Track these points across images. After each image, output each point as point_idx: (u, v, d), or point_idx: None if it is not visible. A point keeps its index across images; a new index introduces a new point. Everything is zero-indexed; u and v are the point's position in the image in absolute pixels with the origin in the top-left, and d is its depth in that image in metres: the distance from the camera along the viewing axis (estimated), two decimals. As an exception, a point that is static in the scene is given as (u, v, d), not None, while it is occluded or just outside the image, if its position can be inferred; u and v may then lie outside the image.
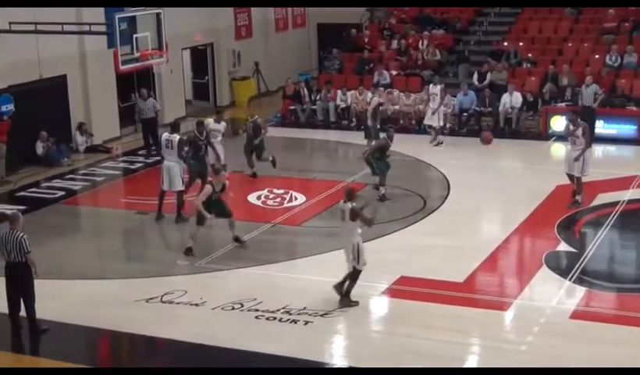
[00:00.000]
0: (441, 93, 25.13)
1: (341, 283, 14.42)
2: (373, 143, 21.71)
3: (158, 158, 21.33)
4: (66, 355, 13.20)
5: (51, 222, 19.65)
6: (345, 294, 14.34)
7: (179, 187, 18.90)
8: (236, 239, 17.30)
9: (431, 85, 25.69)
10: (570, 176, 19.17)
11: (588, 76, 25.09)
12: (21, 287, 13.53)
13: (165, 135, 19.12)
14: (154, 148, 24.71)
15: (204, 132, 20.11)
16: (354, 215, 14.24)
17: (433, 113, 25.08)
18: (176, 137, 18.92)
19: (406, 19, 32.68)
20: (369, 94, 27.41)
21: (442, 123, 25.26)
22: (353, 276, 14.31)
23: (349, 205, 14.32)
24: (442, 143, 24.93)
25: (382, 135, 21.29)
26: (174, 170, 18.78)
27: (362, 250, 14.27)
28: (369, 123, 23.10)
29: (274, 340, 13.30)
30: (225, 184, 17.06)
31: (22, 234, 13.38)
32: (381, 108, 26.30)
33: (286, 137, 27.09)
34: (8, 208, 20.27)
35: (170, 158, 18.85)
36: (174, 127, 19.37)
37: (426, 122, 25.58)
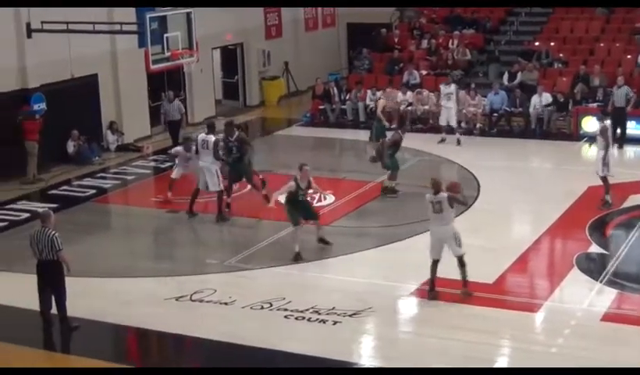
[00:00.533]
0: (456, 92, 25.08)
1: (464, 282, 14.57)
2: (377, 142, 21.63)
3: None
4: (96, 352, 13.30)
5: (82, 220, 19.78)
6: (465, 282, 14.55)
7: (216, 187, 18.92)
8: (322, 240, 17.16)
9: (442, 85, 25.59)
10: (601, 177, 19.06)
11: (619, 76, 24.87)
12: (52, 284, 13.65)
13: (202, 136, 19.11)
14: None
15: (234, 133, 19.75)
16: (452, 201, 14.51)
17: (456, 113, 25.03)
18: (212, 137, 18.94)
19: (436, 19, 32.58)
20: (399, 94, 27.48)
21: (454, 124, 25.02)
22: (463, 262, 14.49)
23: (444, 194, 14.50)
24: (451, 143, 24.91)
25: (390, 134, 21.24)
26: (210, 171, 18.81)
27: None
28: (374, 124, 23.03)
29: (302, 339, 13.32)
30: (311, 181, 16.87)
31: (53, 232, 13.49)
32: (410, 108, 26.35)
33: (316, 137, 27.11)
34: (40, 207, 20.49)
35: (206, 159, 18.87)
36: (210, 128, 19.38)
37: (442, 122, 25.25)
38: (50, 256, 13.47)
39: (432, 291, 14.54)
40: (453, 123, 25.01)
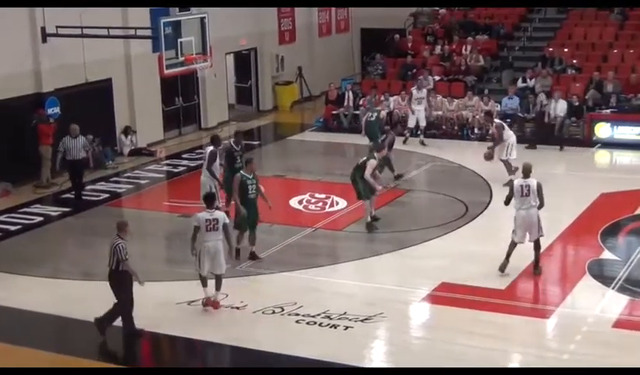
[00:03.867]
0: (427, 96, 26.24)
1: (536, 263, 15.79)
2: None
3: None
4: (107, 355, 13.37)
5: (95, 224, 19.84)
6: (537, 265, 15.75)
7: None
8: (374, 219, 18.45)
9: (414, 89, 26.39)
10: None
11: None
12: (115, 293, 13.59)
13: (208, 149, 18.99)
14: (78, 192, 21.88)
15: (241, 143, 19.57)
16: (541, 189, 15.60)
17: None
18: (209, 148, 18.83)
19: (447, 26, 32.50)
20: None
21: (423, 124, 26.06)
22: (539, 245, 15.77)
23: (533, 180, 15.57)
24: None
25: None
26: (205, 187, 18.38)
27: None
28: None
29: (313, 344, 13.33)
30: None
31: (119, 242, 13.39)
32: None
33: (329, 142, 27.15)
34: (53, 211, 20.63)
35: (205, 172, 18.77)
36: (214, 141, 19.08)
37: (410, 125, 26.30)
38: (113, 265, 13.41)
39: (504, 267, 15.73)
40: (423, 124, 26.04)
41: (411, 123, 26.25)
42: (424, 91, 26.29)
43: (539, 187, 15.60)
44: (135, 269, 13.64)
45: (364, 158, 18.69)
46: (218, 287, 14.66)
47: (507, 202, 16.12)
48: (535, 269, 15.74)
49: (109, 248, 13.48)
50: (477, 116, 26.56)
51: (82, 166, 21.78)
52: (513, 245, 15.75)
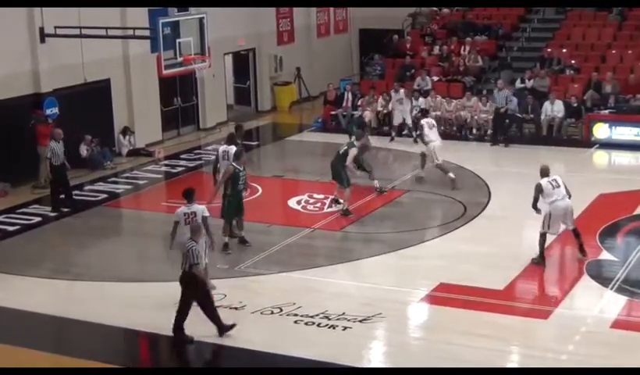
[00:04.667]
0: (405, 96, 26.76)
1: (581, 248, 16.38)
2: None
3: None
4: (105, 356, 13.35)
5: (93, 224, 19.87)
6: (581, 248, 16.41)
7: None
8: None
9: (392, 91, 27.04)
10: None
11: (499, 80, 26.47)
12: (182, 292, 13.57)
13: (223, 147, 18.99)
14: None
15: (242, 137, 19.89)
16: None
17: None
18: (233, 148, 18.88)
19: (448, 26, 32.55)
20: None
21: (409, 122, 26.61)
22: (578, 232, 16.44)
23: (555, 175, 16.42)
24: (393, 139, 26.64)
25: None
26: None
27: None
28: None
29: (312, 345, 13.33)
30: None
31: (192, 245, 13.37)
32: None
33: (327, 143, 27.10)
34: (50, 211, 20.59)
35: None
36: (230, 139, 19.14)
37: (395, 123, 26.90)
38: (186, 267, 13.41)
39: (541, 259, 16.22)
40: (409, 121, 26.59)
41: (396, 122, 26.69)
42: (402, 91, 26.81)
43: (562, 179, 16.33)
44: (206, 274, 13.85)
45: (345, 146, 19.59)
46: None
47: (535, 204, 16.35)
48: (582, 253, 16.34)
49: (183, 251, 13.48)
50: (476, 117, 26.55)
51: (65, 169, 21.11)
52: (544, 239, 16.22)
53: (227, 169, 17.17)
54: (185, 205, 14.83)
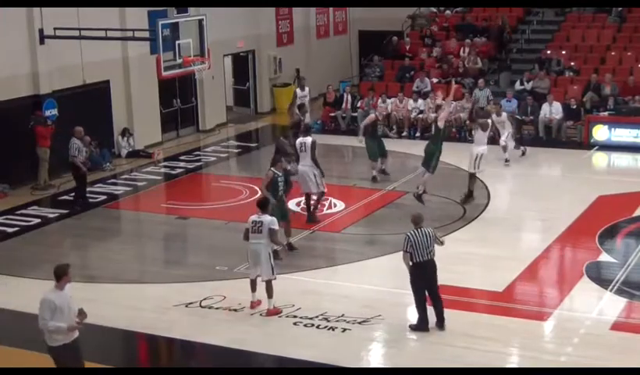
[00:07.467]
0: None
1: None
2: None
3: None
4: (104, 357, 13.33)
5: (93, 225, 19.85)
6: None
7: (317, 188, 18.96)
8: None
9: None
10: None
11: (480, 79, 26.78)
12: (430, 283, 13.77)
13: (300, 139, 19.04)
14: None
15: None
16: None
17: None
18: (309, 139, 18.86)
19: (448, 27, 32.55)
20: (410, 101, 27.56)
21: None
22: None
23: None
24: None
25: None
26: (308, 175, 18.73)
27: None
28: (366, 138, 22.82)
29: (311, 346, 13.33)
30: None
31: (431, 231, 13.71)
32: (421, 116, 26.33)
33: (326, 144, 27.05)
34: (50, 213, 20.60)
35: (304, 162, 18.83)
36: (307, 130, 19.27)
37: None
38: (426, 256, 13.59)
39: None
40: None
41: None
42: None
43: None
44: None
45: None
46: (267, 293, 14.54)
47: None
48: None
49: (412, 241, 13.62)
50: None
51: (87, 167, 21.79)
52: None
53: (267, 175, 17.03)
54: (257, 213, 14.72)
